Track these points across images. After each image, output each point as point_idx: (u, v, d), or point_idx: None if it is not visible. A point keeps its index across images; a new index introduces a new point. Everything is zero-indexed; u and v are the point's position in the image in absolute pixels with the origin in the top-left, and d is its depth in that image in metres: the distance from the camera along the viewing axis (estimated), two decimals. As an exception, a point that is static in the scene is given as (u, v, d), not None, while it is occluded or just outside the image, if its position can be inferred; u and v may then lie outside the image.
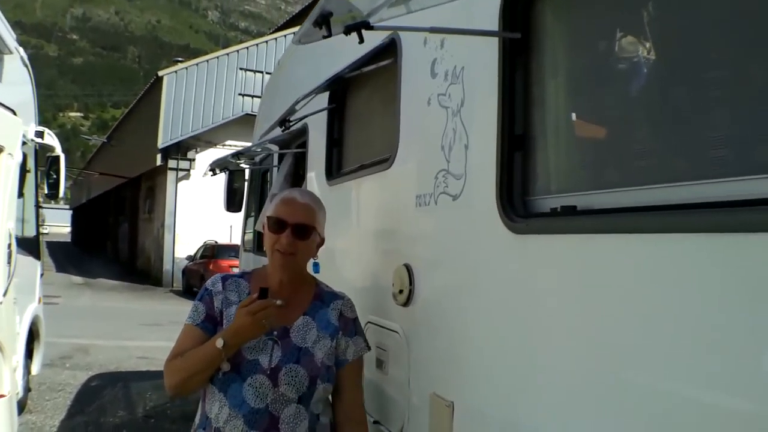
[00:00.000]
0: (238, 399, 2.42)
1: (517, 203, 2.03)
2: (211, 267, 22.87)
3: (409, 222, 2.77)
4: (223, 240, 25.52)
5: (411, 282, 2.68)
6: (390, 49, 3.04)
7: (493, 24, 2.11)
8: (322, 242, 2.69)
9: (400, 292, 2.73)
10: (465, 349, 2.28)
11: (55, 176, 8.03)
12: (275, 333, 2.48)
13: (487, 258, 2.16)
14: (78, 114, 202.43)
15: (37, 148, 8.04)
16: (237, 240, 24.46)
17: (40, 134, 7.80)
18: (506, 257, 2.04)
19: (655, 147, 1.69)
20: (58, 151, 8.10)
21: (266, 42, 28.24)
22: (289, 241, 2.52)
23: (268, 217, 2.59)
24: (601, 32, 1.95)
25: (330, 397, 2.61)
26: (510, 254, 2.01)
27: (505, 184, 2.03)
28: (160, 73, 27.35)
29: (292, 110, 3.90)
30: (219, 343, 2.35)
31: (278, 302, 2.40)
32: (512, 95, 2.06)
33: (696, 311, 1.40)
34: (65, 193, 8.03)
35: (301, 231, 2.55)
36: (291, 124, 3.98)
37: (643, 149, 1.74)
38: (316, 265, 2.85)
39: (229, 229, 25.53)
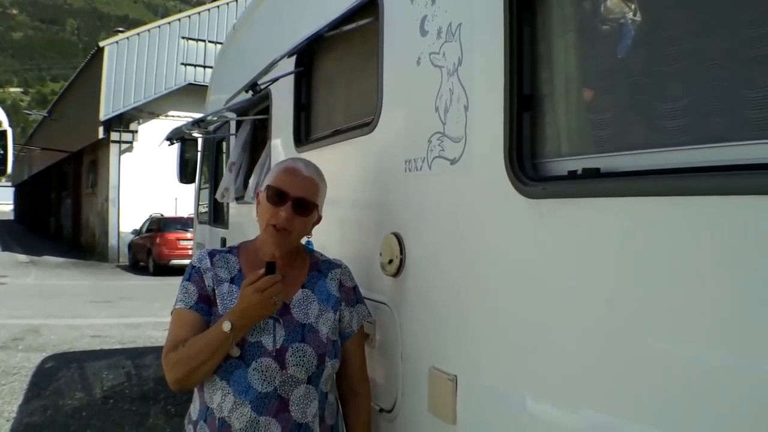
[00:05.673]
0: (243, 385, 2.25)
1: (527, 166, 1.91)
2: (158, 240, 22.64)
3: (397, 188, 2.63)
4: (169, 213, 25.15)
5: (402, 251, 2.55)
6: (370, 8, 2.89)
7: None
8: (318, 220, 2.53)
9: (390, 262, 2.61)
10: (468, 320, 2.16)
11: (2, 152, 7.64)
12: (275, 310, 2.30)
13: (494, 224, 2.03)
14: (18, 89, 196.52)
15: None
16: (183, 212, 24.23)
17: None
18: (517, 222, 1.91)
19: (688, 105, 1.55)
20: (6, 125, 7.69)
21: (208, 10, 27.59)
22: (288, 216, 2.34)
23: (267, 186, 2.40)
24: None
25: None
26: (521, 219, 1.89)
27: (515, 147, 1.90)
28: (101, 44, 26.52)
29: (263, 73, 3.73)
30: (226, 326, 2.17)
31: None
32: (520, 52, 1.92)
33: (742, 280, 1.29)
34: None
35: (302, 206, 2.38)
36: (262, 87, 3.81)
37: (672, 108, 1.59)
38: (309, 244, 2.69)
39: (175, 201, 25.18)
